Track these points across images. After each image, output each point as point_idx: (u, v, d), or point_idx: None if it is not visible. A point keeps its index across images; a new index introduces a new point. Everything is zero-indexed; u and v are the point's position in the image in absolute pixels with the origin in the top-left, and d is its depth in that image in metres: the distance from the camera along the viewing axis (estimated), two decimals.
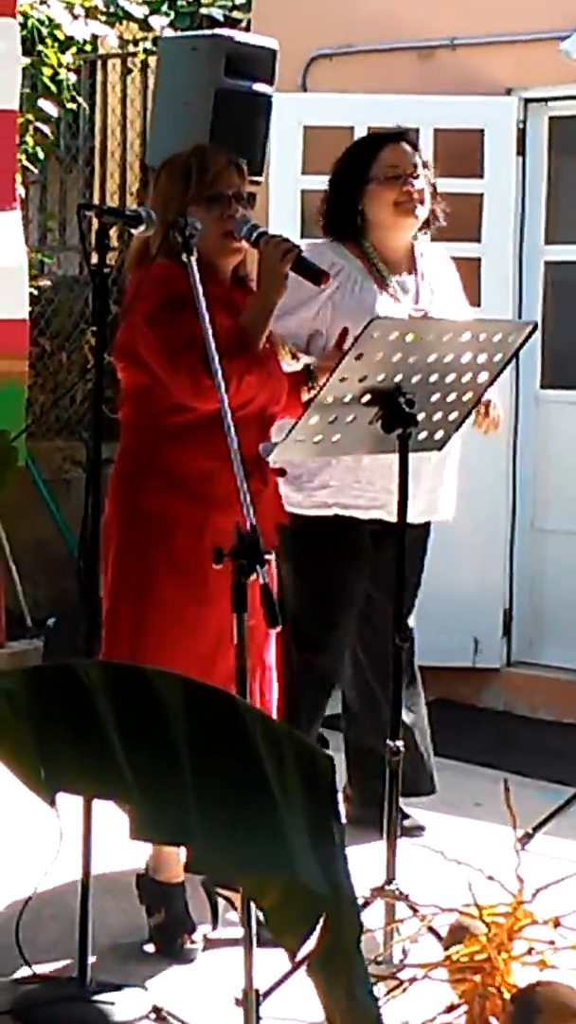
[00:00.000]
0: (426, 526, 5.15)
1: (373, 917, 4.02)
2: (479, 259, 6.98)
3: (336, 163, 5.04)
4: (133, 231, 4.10)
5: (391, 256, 4.96)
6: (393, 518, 4.86)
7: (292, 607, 4.89)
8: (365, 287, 4.85)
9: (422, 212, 4.95)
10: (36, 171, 8.59)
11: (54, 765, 1.83)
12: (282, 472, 4.30)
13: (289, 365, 4.45)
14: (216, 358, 3.71)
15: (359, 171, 4.91)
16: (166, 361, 4.07)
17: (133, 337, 4.13)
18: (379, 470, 4.60)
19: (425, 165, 5.00)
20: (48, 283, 8.58)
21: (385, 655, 4.92)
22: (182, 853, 4.29)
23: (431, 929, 3.81)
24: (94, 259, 3.92)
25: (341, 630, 5.04)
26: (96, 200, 8.79)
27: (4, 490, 2.39)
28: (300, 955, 1.81)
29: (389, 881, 4.11)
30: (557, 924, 3.55)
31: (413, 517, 4.98)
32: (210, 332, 3.73)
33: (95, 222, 3.97)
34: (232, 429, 3.64)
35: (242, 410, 3.97)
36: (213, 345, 3.72)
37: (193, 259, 3.85)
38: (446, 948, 3.66)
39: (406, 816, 5.00)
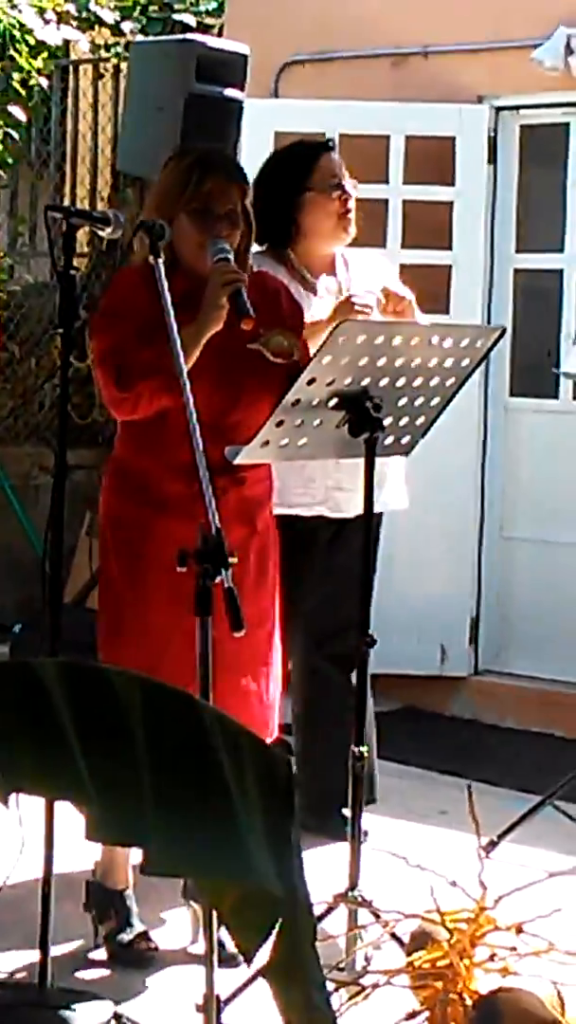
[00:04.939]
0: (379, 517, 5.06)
1: (336, 923, 4.00)
2: (450, 266, 6.98)
3: (266, 172, 5.01)
4: (101, 233, 4.09)
5: (317, 263, 4.99)
6: (335, 514, 4.88)
7: None
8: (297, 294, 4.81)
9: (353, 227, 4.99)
10: (6, 176, 8.57)
11: (9, 765, 1.81)
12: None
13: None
14: (182, 355, 3.70)
15: (296, 181, 4.92)
16: (95, 369, 4.22)
17: None
18: (320, 468, 4.56)
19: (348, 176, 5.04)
20: (17, 288, 8.56)
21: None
22: (132, 858, 4.27)
23: (394, 935, 3.80)
24: (61, 261, 3.91)
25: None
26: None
27: None
28: (257, 960, 1.79)
29: (352, 887, 4.09)
30: (519, 930, 3.54)
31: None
32: (175, 328, 3.71)
33: (64, 225, 3.95)
34: (197, 430, 3.61)
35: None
36: (179, 343, 3.71)
37: (160, 261, 3.84)
38: (408, 954, 3.64)
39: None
